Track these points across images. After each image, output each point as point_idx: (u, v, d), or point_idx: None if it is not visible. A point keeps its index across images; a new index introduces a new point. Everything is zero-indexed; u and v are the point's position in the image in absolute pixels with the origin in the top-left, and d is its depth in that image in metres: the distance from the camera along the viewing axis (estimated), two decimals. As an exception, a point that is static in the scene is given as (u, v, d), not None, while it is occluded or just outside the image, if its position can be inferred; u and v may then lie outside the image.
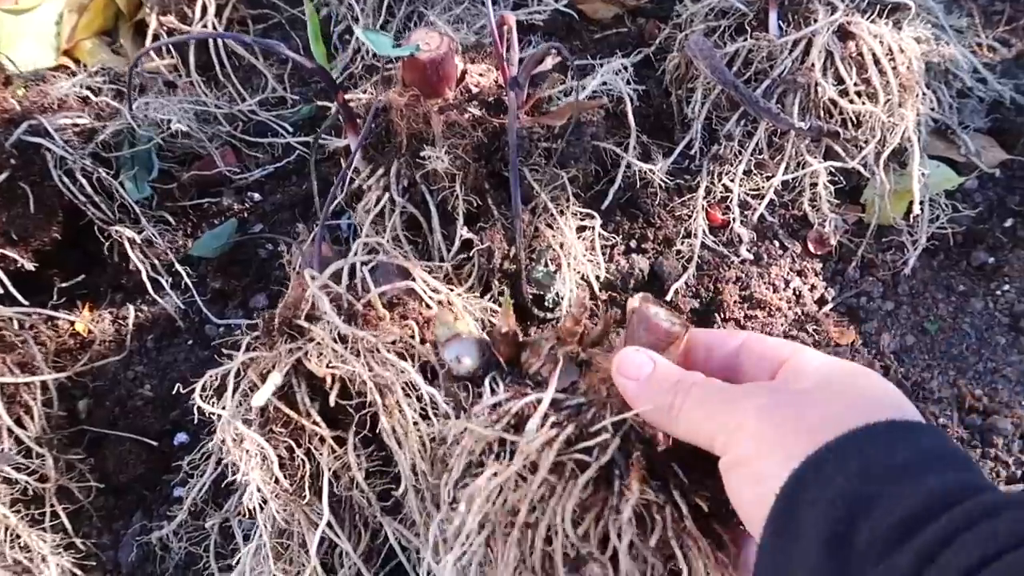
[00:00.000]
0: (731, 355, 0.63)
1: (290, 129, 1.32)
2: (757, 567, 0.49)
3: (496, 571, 0.58)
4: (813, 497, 0.46)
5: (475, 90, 1.06)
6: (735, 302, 1.12)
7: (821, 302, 1.15)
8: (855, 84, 1.15)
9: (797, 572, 0.45)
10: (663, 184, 1.18)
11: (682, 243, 1.17)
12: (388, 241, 1.06)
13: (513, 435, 0.61)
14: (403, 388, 0.88)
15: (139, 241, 1.13)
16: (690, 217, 1.18)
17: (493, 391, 0.72)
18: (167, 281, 1.17)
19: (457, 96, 1.06)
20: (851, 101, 1.15)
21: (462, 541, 0.59)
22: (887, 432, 0.48)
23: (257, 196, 1.29)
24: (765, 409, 0.52)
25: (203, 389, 0.87)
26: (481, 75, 1.09)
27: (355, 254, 0.98)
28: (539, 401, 0.61)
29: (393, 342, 0.90)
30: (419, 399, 0.89)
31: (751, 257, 1.17)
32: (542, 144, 1.08)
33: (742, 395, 0.54)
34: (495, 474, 0.59)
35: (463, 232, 1.02)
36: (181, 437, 1.09)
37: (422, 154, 1.01)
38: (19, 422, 0.99)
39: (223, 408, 0.90)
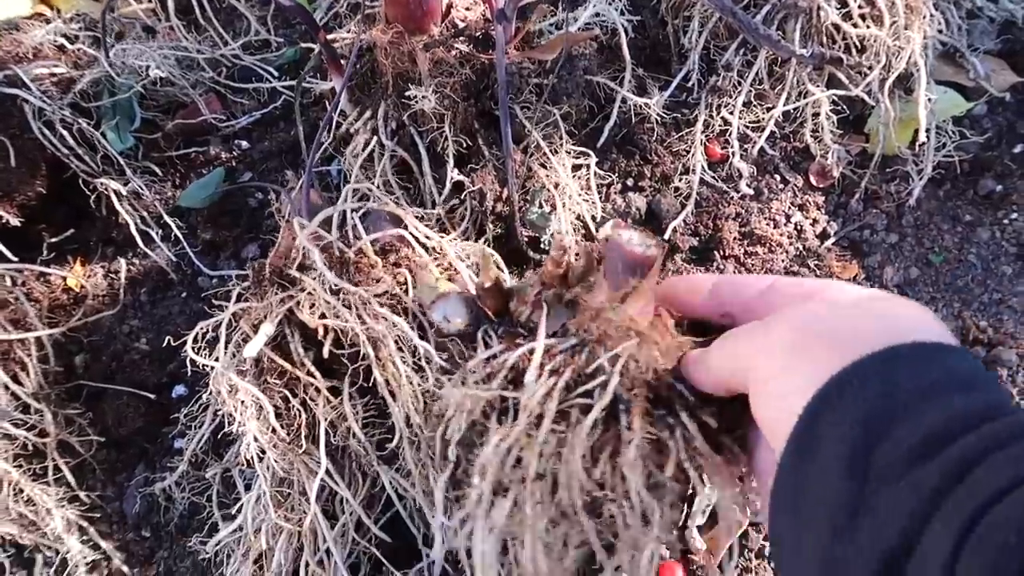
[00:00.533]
0: (761, 294, 0.60)
1: (275, 73, 1.29)
2: (776, 486, 0.47)
3: (521, 529, 0.58)
4: (835, 417, 0.44)
5: (461, 25, 1.02)
6: (735, 238, 1.10)
7: (823, 236, 1.12)
8: (859, 7, 1.10)
9: (815, 492, 0.44)
10: (660, 119, 1.15)
11: (680, 180, 1.14)
12: (378, 186, 1.03)
13: (512, 391, 0.60)
14: (395, 341, 0.87)
15: (126, 193, 1.11)
16: (688, 152, 1.14)
17: (487, 344, 0.71)
18: (157, 234, 1.15)
19: (443, 32, 1.02)
20: (855, 25, 1.10)
21: (484, 511, 0.58)
22: (913, 352, 0.46)
23: (245, 144, 1.26)
24: (797, 324, 0.50)
25: (195, 341, 0.86)
26: (467, 8, 1.05)
27: (344, 201, 0.95)
28: (532, 351, 0.59)
29: (384, 293, 0.88)
30: (412, 352, 0.88)
31: (751, 192, 1.14)
32: (533, 80, 1.04)
33: (775, 318, 0.52)
34: (501, 439, 0.57)
35: (454, 175, 0.99)
36: (179, 390, 1.09)
37: (408, 94, 0.98)
38: (15, 379, 0.99)
39: (216, 360, 0.89)
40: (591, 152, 1.08)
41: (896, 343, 0.46)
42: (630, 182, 1.16)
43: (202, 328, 0.87)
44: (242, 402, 0.88)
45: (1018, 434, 0.40)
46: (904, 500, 0.40)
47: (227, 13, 1.34)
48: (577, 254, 0.65)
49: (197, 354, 0.88)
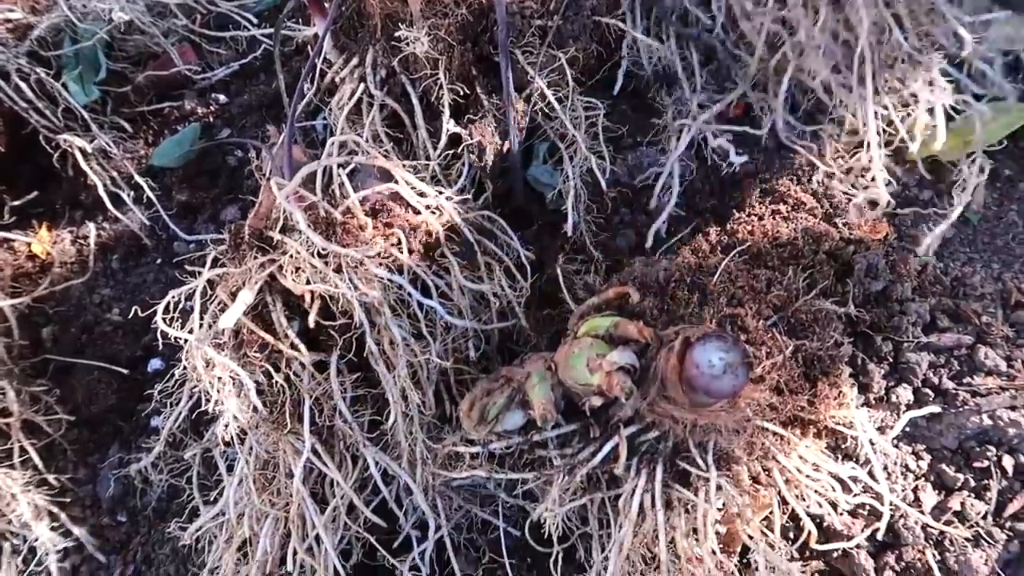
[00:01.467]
0: None
1: (254, 21, 1.18)
2: None
3: None
4: None
5: (457, -40, 0.92)
6: (756, 197, 1.01)
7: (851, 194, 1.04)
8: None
9: None
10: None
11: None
12: (367, 139, 0.94)
13: None
14: (392, 306, 0.78)
15: (92, 151, 1.01)
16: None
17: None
18: (129, 196, 1.06)
19: (437, -33, 0.92)
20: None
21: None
22: None
23: (222, 98, 1.16)
24: None
25: (167, 311, 0.77)
26: (464, -57, 0.95)
27: (329, 155, 0.86)
28: None
29: (376, 256, 0.80)
30: (410, 316, 0.80)
31: (773, 147, 1.05)
32: (536, 22, 0.95)
33: None
34: None
35: (450, 126, 0.90)
36: (155, 363, 1.01)
37: (398, 34, 0.88)
38: (-28, 355, 0.91)
39: (190, 332, 0.81)
40: (599, 103, 0.99)
41: None
42: (640, 137, 1.07)
43: (174, 297, 0.79)
44: (219, 378, 0.80)
45: None
46: None
47: (201, -45, 1.23)
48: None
49: (170, 326, 0.80)
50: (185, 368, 0.86)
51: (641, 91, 1.08)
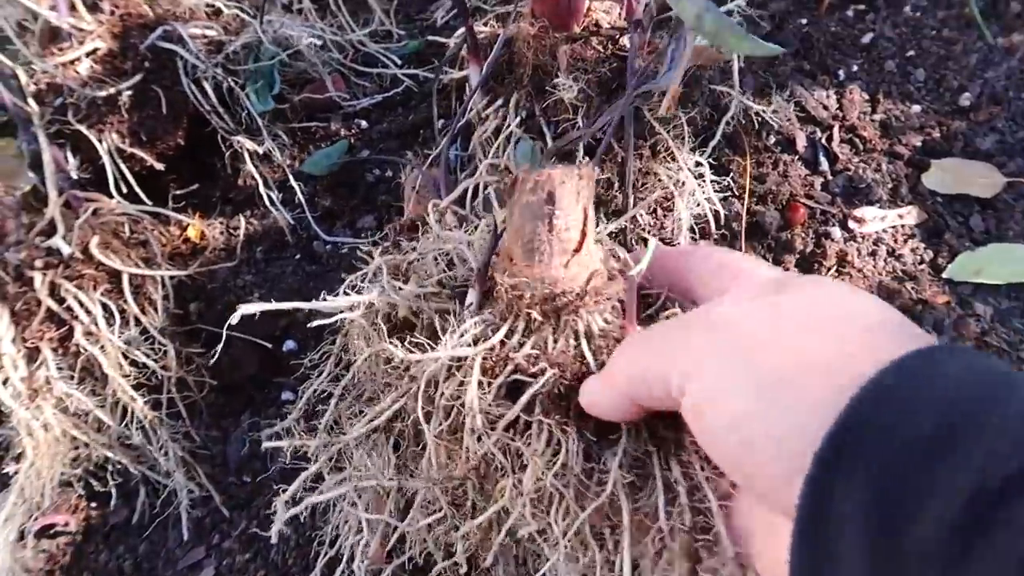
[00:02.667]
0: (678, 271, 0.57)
1: (398, 62, 1.35)
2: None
3: None
4: (843, 491, 0.33)
5: (603, 25, 1.08)
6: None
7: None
8: None
9: None
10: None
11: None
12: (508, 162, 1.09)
13: None
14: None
15: (260, 153, 1.16)
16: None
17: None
18: (278, 197, 1.20)
19: (584, 30, 1.09)
20: None
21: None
22: (912, 373, 0.35)
23: (364, 123, 1.32)
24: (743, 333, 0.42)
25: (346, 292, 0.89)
26: (605, 12, 1.12)
27: (481, 174, 1.00)
28: None
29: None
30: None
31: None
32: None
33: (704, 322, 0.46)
34: None
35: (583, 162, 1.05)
36: (289, 344, 1.13)
37: (554, 82, 1.03)
38: (144, 313, 1.03)
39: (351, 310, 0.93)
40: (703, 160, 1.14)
41: (883, 363, 0.35)
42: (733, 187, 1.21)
43: (351, 280, 0.91)
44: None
45: None
46: None
47: (355, 3, 1.41)
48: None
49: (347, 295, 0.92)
50: (330, 345, 0.98)
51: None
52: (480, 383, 0.60)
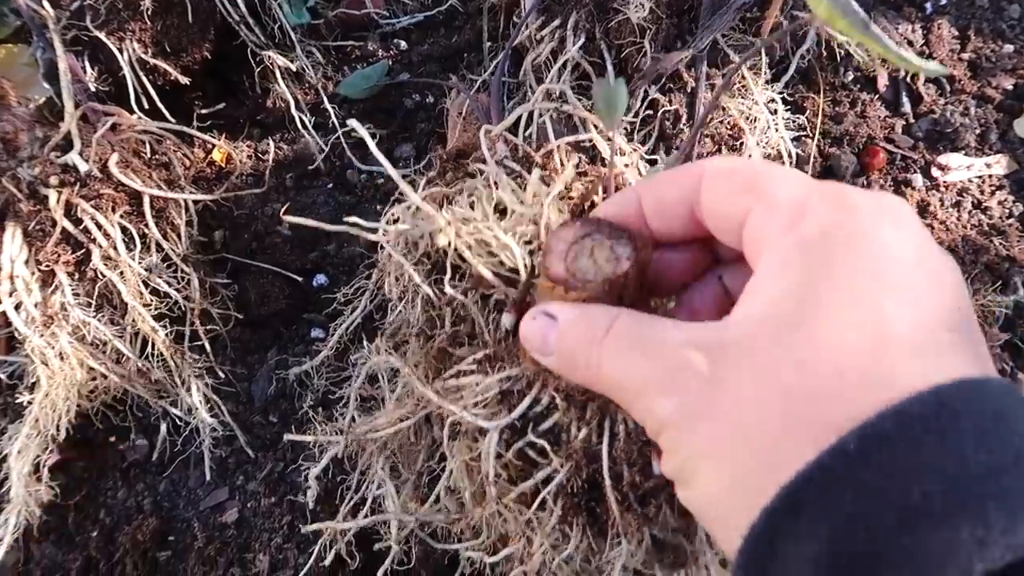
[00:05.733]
0: (686, 200, 0.43)
1: (443, -22, 1.24)
2: None
3: None
4: (802, 527, 0.31)
5: (676, -61, 0.97)
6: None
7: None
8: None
9: None
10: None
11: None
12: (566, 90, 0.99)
13: None
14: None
15: (292, 71, 1.06)
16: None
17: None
18: (310, 120, 1.11)
19: (656, -59, 0.97)
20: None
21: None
22: (909, 424, 0.30)
23: (403, 44, 1.22)
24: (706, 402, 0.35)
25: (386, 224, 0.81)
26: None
27: (536, 100, 0.91)
28: None
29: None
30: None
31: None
32: (737, 8, 0.99)
33: (674, 359, 0.37)
34: None
35: (651, 91, 0.95)
36: (320, 279, 1.06)
37: (618, 3, 0.93)
38: (166, 238, 0.95)
39: (387, 240, 0.85)
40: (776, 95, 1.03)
41: (882, 408, 0.30)
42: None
43: (391, 214, 0.83)
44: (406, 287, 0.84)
45: None
46: None
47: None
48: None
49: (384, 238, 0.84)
50: (363, 280, 0.91)
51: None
52: (498, 454, 0.58)
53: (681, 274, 0.47)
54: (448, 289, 0.73)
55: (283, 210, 1.04)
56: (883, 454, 0.29)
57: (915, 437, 0.29)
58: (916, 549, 0.27)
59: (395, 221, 0.84)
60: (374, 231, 0.81)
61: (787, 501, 0.31)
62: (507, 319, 0.62)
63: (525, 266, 0.66)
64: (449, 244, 0.76)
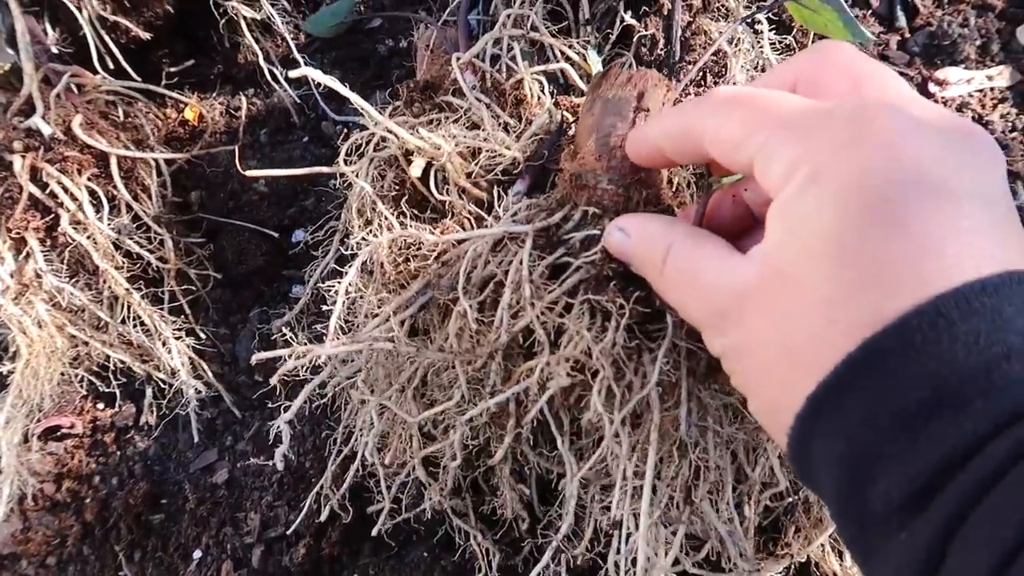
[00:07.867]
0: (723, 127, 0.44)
1: (412, -90, 1.19)
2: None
3: None
4: (825, 429, 0.35)
5: None
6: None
7: None
8: None
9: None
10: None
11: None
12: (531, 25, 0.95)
13: None
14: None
15: (258, 21, 1.03)
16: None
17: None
18: (282, 73, 1.08)
19: None
20: None
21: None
22: (939, 317, 0.32)
23: (373, -15, 1.18)
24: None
25: (348, 153, 0.79)
26: None
27: (503, 27, 0.87)
28: None
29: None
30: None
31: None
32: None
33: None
34: None
35: (626, 16, 0.90)
36: (298, 234, 1.03)
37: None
38: (136, 200, 0.94)
39: (357, 175, 0.82)
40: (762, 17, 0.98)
41: (908, 308, 0.32)
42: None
43: (353, 141, 0.80)
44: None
45: None
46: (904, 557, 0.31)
47: None
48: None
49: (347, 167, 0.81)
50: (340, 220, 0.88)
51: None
52: (531, 255, 0.56)
53: None
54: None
55: (241, 166, 1.01)
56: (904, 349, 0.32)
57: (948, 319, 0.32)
58: (927, 437, 0.32)
59: (357, 149, 0.81)
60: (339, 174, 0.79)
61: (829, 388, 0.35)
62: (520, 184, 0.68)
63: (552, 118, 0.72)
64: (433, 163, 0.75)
